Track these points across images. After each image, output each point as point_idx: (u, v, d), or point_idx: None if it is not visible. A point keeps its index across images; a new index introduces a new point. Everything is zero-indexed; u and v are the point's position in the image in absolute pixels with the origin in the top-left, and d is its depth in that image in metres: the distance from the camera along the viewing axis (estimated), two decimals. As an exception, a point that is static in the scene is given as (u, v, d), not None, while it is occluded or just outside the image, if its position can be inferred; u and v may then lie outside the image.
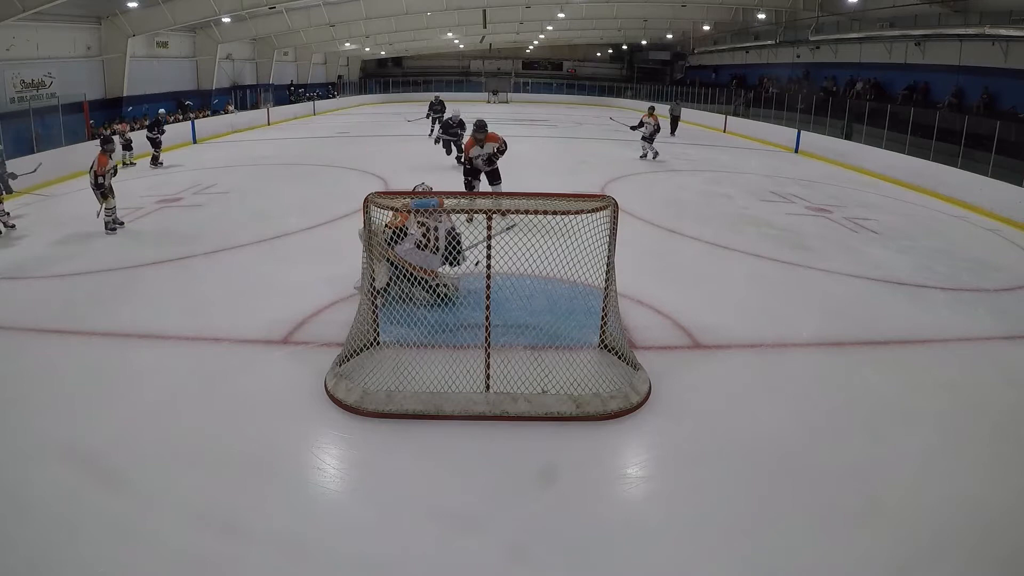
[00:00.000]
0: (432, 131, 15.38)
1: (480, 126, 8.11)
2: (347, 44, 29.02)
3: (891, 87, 19.61)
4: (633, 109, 31.86)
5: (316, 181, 11.55)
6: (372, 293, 4.29)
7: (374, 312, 4.39)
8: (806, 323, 5.38)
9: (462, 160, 7.34)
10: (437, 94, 18.49)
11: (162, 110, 14.71)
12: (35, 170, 9.63)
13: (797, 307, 5.76)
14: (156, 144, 13.10)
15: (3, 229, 7.73)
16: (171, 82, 19.57)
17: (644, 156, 13.58)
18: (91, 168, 7.66)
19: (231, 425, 3.71)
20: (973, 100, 16.27)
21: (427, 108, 16.23)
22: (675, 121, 20.06)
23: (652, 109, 14.32)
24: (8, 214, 7.89)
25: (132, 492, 3.14)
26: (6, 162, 9.41)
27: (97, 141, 8.80)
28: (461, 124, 11.17)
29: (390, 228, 4.83)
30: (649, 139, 13.61)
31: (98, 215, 7.67)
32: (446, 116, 10.61)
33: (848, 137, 15.65)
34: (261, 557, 2.77)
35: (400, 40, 30.11)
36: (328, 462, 3.44)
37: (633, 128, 13.98)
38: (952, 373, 4.62)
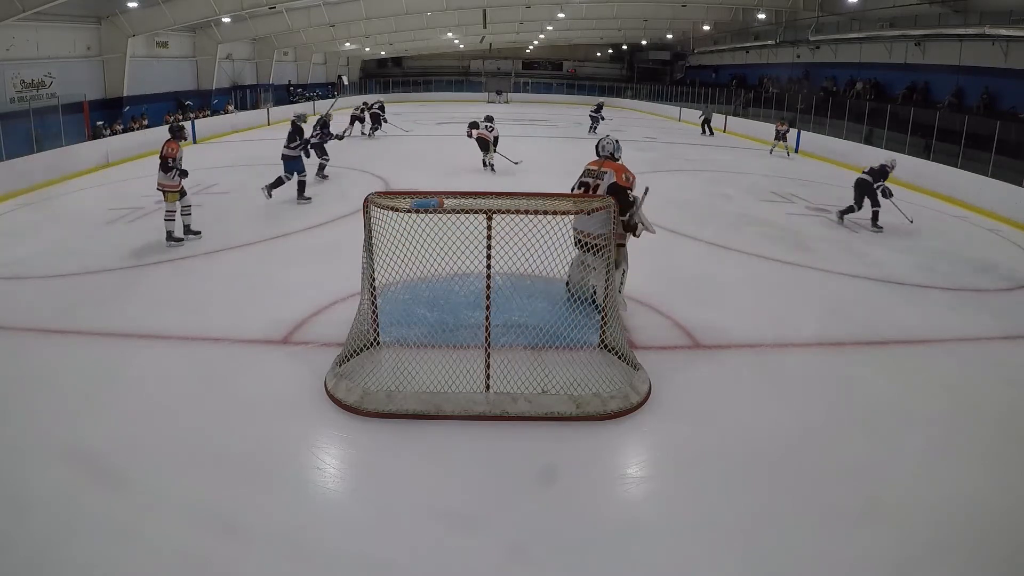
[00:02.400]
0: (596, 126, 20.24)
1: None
2: (347, 44, 29.01)
3: (891, 87, 19.62)
4: (633, 109, 31.91)
5: (315, 181, 11.54)
6: (372, 293, 4.29)
7: (374, 312, 4.39)
8: (806, 323, 5.38)
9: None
10: (600, 100, 23.10)
11: (380, 101, 18.45)
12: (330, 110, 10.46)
13: (797, 307, 5.76)
14: (378, 120, 17.06)
15: (186, 237, 7.07)
16: (171, 82, 19.57)
17: (786, 155, 16.13)
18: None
19: (231, 425, 3.71)
20: (973, 100, 16.28)
21: (593, 109, 20.60)
22: (706, 123, 21.20)
23: (783, 120, 17.08)
24: (189, 208, 7.12)
25: (132, 492, 3.13)
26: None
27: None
28: None
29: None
30: (783, 138, 16.29)
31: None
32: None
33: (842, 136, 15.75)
34: (261, 557, 2.77)
35: (400, 40, 30.11)
36: (328, 462, 3.44)
37: (778, 132, 16.40)
38: (952, 373, 4.62)
